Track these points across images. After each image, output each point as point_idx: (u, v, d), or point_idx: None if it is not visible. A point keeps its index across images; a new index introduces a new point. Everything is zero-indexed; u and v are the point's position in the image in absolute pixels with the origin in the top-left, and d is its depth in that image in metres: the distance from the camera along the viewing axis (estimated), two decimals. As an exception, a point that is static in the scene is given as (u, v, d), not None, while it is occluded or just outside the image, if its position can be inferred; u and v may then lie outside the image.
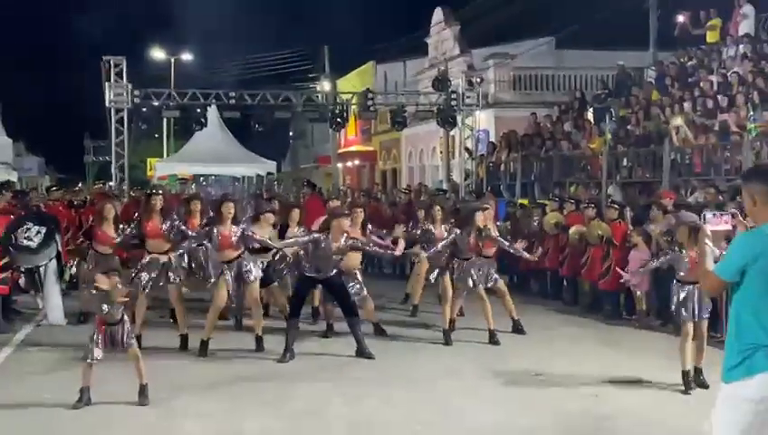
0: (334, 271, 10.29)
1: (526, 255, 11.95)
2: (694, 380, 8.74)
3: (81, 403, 7.94)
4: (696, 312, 8.81)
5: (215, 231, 10.40)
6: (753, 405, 4.31)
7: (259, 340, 10.59)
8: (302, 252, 10.85)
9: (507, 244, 11.82)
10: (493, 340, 11.16)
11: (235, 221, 10.58)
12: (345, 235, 10.16)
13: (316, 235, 10.27)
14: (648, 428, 7.56)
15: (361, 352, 10.21)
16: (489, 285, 11.66)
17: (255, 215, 12.18)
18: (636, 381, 9.08)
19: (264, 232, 11.22)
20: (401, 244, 11.03)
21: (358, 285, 11.30)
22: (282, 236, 11.86)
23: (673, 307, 9.06)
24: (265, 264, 11.43)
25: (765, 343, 4.34)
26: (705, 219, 4.90)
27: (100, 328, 7.98)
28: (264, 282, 11.35)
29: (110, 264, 9.40)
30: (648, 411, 8.01)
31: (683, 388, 8.67)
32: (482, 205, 12.20)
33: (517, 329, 11.88)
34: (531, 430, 7.44)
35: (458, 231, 11.51)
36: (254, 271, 10.60)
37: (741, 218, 4.95)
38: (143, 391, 8.14)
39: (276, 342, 10.51)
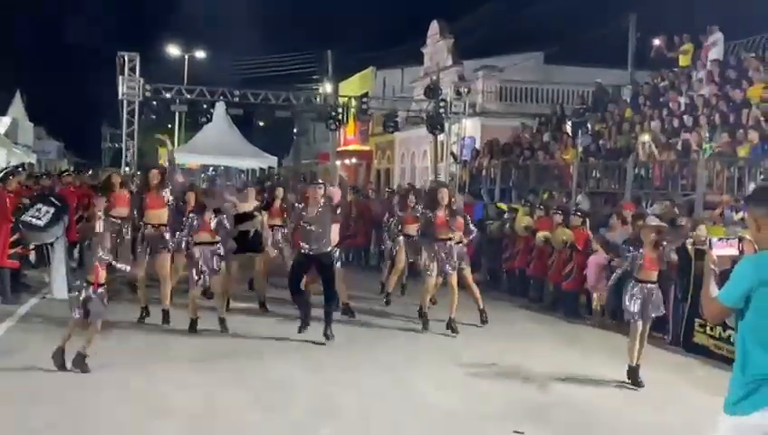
0: (327, 248, 10.46)
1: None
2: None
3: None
4: (647, 311, 9.02)
5: (195, 219, 10.74)
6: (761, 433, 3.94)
7: (222, 321, 10.80)
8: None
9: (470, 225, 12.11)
10: (451, 327, 11.30)
11: (216, 210, 10.97)
12: (318, 203, 10.36)
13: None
14: (589, 416, 7.80)
15: (325, 333, 10.38)
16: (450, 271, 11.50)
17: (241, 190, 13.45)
18: (583, 374, 9.32)
19: (249, 204, 12.57)
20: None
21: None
22: (268, 208, 13.22)
23: (625, 304, 9.19)
24: (252, 232, 12.18)
25: None
26: (711, 244, 4.40)
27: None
28: (251, 249, 12.20)
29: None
30: (591, 403, 8.25)
31: (629, 382, 8.91)
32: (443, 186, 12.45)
33: (482, 320, 12.16)
34: (484, 415, 7.66)
35: (427, 211, 11.66)
36: (219, 262, 10.80)
37: (749, 239, 4.50)
38: (83, 359, 8.33)
39: (245, 322, 10.88)
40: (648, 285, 9.10)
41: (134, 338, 10.12)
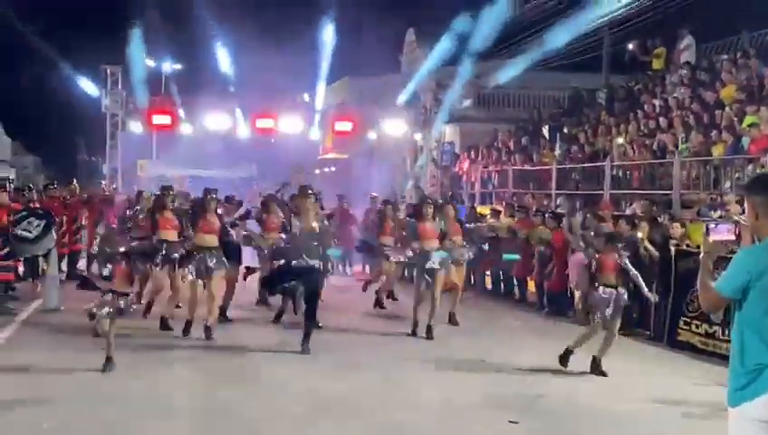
0: (316, 264, 10.27)
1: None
2: (593, 368, 9.45)
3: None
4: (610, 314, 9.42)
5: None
6: (766, 426, 3.93)
7: (207, 329, 10.86)
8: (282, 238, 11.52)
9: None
10: (429, 335, 11.46)
11: (217, 212, 11.36)
12: (316, 214, 10.48)
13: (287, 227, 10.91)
14: (577, 408, 8.13)
15: (302, 347, 10.19)
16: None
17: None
18: (569, 368, 9.62)
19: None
20: None
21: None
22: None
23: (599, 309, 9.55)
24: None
25: None
26: (707, 230, 4.35)
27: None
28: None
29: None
30: (578, 395, 8.59)
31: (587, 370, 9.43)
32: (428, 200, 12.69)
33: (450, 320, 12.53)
34: (475, 407, 8.00)
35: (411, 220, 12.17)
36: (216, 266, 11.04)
37: (744, 224, 4.42)
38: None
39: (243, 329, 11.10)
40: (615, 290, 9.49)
41: (132, 341, 10.35)
